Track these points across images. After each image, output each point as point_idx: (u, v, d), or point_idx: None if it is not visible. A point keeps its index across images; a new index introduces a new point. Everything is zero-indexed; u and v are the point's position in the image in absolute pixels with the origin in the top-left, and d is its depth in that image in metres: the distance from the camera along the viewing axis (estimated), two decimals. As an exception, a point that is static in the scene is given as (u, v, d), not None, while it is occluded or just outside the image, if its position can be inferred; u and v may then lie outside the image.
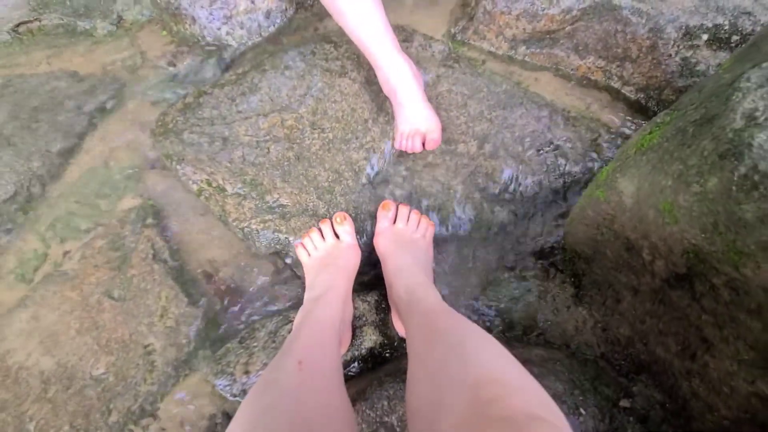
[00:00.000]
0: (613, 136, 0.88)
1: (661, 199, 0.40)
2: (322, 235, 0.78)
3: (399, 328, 0.70)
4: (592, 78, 0.94)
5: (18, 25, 1.13)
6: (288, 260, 0.84)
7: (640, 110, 0.91)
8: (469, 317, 0.76)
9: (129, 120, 1.03)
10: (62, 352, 0.77)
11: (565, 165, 0.85)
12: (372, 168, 0.86)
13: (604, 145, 0.87)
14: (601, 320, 0.58)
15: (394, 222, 0.78)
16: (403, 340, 0.72)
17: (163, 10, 1.07)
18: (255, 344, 0.74)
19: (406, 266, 0.68)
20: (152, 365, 0.76)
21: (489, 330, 0.72)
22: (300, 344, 0.50)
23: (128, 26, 1.15)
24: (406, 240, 0.74)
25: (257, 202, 0.85)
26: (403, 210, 0.78)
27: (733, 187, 0.33)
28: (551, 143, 0.87)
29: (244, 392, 0.71)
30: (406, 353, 0.71)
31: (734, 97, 0.35)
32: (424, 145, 0.82)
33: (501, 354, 0.39)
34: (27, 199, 0.93)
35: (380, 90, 0.95)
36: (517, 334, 0.68)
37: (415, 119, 0.79)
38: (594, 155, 0.86)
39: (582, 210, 0.57)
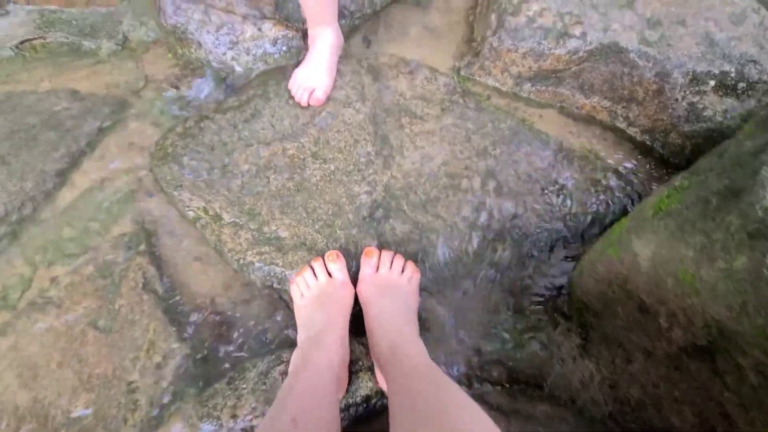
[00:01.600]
0: (618, 178, 0.86)
1: (680, 269, 0.38)
2: (314, 273, 0.76)
3: (382, 383, 0.66)
4: (597, 117, 0.93)
5: (22, 42, 1.12)
6: (284, 294, 0.81)
7: (646, 152, 0.90)
8: (469, 362, 0.73)
9: (128, 142, 1.01)
10: (40, 386, 0.73)
11: (570, 206, 0.84)
12: (374, 202, 0.84)
13: (610, 187, 0.85)
14: (610, 377, 0.56)
15: (378, 269, 0.75)
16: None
17: (169, 33, 1.06)
18: (244, 386, 0.71)
19: (389, 316, 0.66)
20: (135, 404, 0.72)
21: (490, 380, 0.69)
22: (295, 397, 0.47)
23: (133, 47, 1.14)
24: (389, 286, 0.71)
25: (254, 233, 0.82)
26: (386, 256, 0.76)
27: (765, 270, 0.31)
28: (556, 182, 0.85)
29: (230, 438, 0.67)
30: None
31: (763, 172, 0.34)
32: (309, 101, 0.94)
33: (482, 422, 0.37)
34: (17, 220, 0.90)
35: (384, 122, 0.94)
36: (521, 388, 0.65)
37: (311, 76, 0.93)
38: (599, 197, 0.84)
39: (592, 264, 0.55)
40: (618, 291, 0.49)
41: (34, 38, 1.13)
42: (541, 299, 0.76)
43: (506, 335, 0.73)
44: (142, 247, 0.87)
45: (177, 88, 1.08)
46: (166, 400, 0.73)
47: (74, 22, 1.15)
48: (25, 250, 0.87)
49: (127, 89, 1.09)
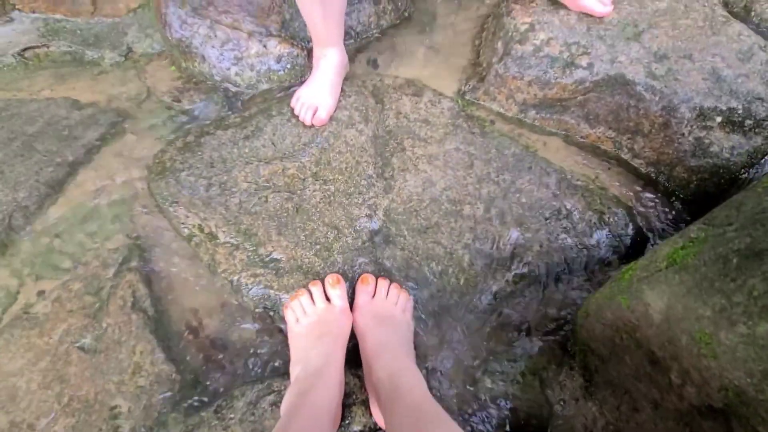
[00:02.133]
0: (622, 209, 0.85)
1: (697, 328, 0.36)
2: (312, 298, 0.73)
3: (377, 416, 0.63)
4: (602, 147, 0.92)
5: (25, 50, 1.11)
6: (277, 319, 0.79)
7: (650, 184, 0.89)
8: (467, 398, 0.70)
9: (126, 154, 0.99)
10: (18, 408, 0.70)
11: (573, 236, 0.82)
12: (374, 226, 0.82)
13: (614, 218, 0.84)
14: (614, 423, 0.53)
15: (373, 296, 0.73)
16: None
17: (173, 46, 1.06)
18: (232, 416, 0.68)
19: (387, 346, 0.63)
20: (116, 431, 0.69)
21: (488, 418, 0.66)
22: None
23: (137, 58, 1.14)
24: (385, 315, 0.69)
25: (249, 254, 0.80)
26: (382, 285, 0.74)
27: (790, 339, 0.29)
28: (559, 212, 0.84)
29: (214, 472, 0.64)
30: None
31: (786, 233, 0.32)
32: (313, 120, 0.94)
33: None
34: (6, 230, 0.88)
35: (387, 144, 0.93)
36: (520, 429, 0.62)
37: (315, 94, 0.93)
38: (603, 228, 0.83)
39: (599, 309, 0.53)
40: (627, 339, 0.47)
41: (38, 46, 1.12)
42: (543, 333, 0.73)
43: (505, 369, 0.70)
44: (134, 263, 0.85)
45: (179, 101, 1.07)
46: (148, 427, 0.69)
47: (79, 32, 1.15)
48: (12, 262, 0.85)
49: (128, 100, 1.08)
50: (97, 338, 0.76)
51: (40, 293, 0.82)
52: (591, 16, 0.90)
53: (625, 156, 0.90)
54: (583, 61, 0.85)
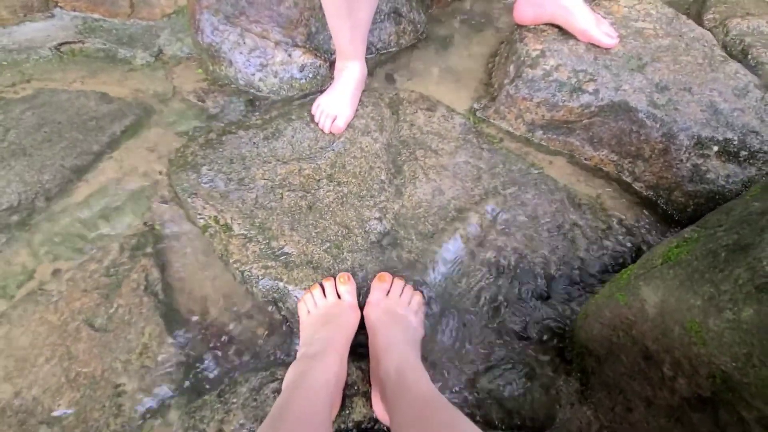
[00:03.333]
0: (621, 228, 0.89)
1: (688, 317, 0.39)
2: (324, 293, 0.76)
3: (379, 411, 0.65)
4: (604, 169, 0.97)
5: (61, 45, 1.17)
6: (283, 311, 0.81)
7: (649, 206, 0.93)
8: (466, 398, 0.71)
9: (148, 147, 1.04)
10: (26, 380, 0.71)
11: (574, 251, 0.85)
12: (383, 229, 0.86)
13: (613, 236, 0.87)
14: (608, 425, 0.55)
15: (387, 295, 0.75)
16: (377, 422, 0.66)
17: (203, 50, 1.12)
18: (234, 400, 0.69)
19: (397, 343, 0.65)
20: (119, 409, 0.70)
21: (486, 419, 0.67)
22: (295, 411, 0.47)
23: (166, 60, 1.20)
24: (397, 314, 0.72)
25: (262, 247, 0.83)
26: (398, 285, 0.77)
27: (771, 322, 0.32)
28: (561, 227, 0.87)
29: (213, 454, 0.65)
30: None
31: (771, 230, 0.36)
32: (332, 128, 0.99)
33: None
34: (29, 211, 0.91)
35: (400, 153, 0.98)
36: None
37: (335, 104, 0.98)
38: (602, 245, 0.86)
39: (598, 309, 0.56)
40: (623, 336, 0.50)
41: (74, 42, 1.18)
42: (541, 341, 0.75)
43: (504, 373, 0.72)
44: (149, 249, 0.88)
45: (203, 101, 1.12)
46: (151, 407, 0.71)
47: (114, 31, 1.21)
48: (32, 241, 0.88)
49: (154, 97, 1.13)
50: (108, 318, 0.78)
51: (56, 272, 0.84)
52: (598, 47, 0.96)
53: (627, 178, 0.94)
54: (590, 87, 0.91)
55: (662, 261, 0.46)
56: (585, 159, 0.98)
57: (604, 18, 1.00)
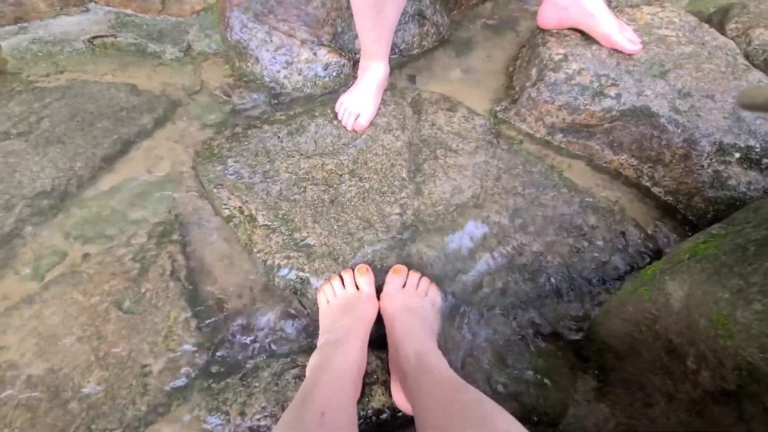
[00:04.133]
0: (640, 232, 0.89)
1: (715, 310, 0.40)
2: (343, 283, 0.78)
3: (399, 399, 0.66)
4: (624, 173, 0.97)
5: (94, 38, 1.21)
6: (303, 300, 0.83)
7: (668, 211, 0.93)
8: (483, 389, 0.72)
9: (176, 138, 1.07)
10: (57, 358, 0.74)
11: (592, 252, 0.86)
12: (403, 224, 0.87)
13: (631, 239, 0.88)
14: (626, 422, 0.56)
15: (403, 287, 0.77)
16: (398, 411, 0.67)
17: (231, 47, 1.15)
18: (257, 384, 0.71)
19: (415, 330, 0.67)
20: (145, 388, 0.72)
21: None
22: (321, 393, 0.48)
23: (194, 55, 1.23)
24: (414, 306, 0.73)
25: (285, 238, 0.85)
26: (413, 277, 0.78)
27: (801, 312, 0.33)
28: (580, 229, 0.88)
29: (235, 436, 0.67)
30: (411, 425, 0.67)
31: (800, 225, 0.37)
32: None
33: (519, 428, 0.38)
34: (61, 196, 0.94)
35: (420, 151, 0.99)
36: (531, 427, 0.64)
37: (358, 102, 1.00)
38: (620, 248, 0.86)
39: (621, 304, 0.56)
40: (646, 331, 0.51)
41: (106, 36, 1.22)
42: (557, 338, 0.76)
43: (520, 369, 0.73)
44: (175, 236, 0.90)
45: (229, 96, 1.15)
46: (176, 387, 0.73)
47: (145, 27, 1.25)
48: (64, 225, 0.91)
49: (182, 91, 1.16)
50: (136, 301, 0.81)
51: (86, 255, 0.87)
52: (621, 52, 0.97)
53: (646, 183, 0.95)
54: (612, 92, 0.92)
55: (689, 256, 0.47)
56: (604, 163, 0.98)
57: (627, 24, 1.01)
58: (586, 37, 1.00)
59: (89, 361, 0.74)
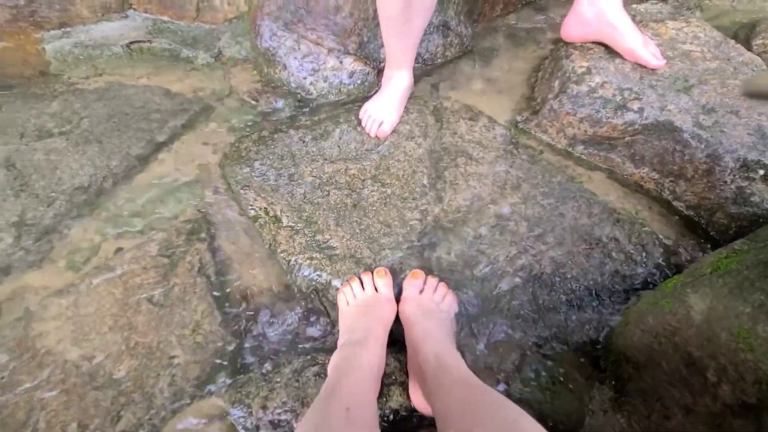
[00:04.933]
0: (661, 245, 0.89)
1: (736, 324, 0.41)
2: (362, 285, 0.80)
3: (417, 400, 0.67)
4: (645, 186, 0.97)
5: (131, 43, 1.28)
6: (324, 300, 0.85)
7: (690, 226, 0.93)
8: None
9: (205, 140, 1.11)
10: (91, 345, 0.78)
11: (610, 264, 0.86)
12: (423, 230, 0.89)
13: (652, 253, 0.88)
14: (643, 434, 0.56)
15: (421, 292, 0.79)
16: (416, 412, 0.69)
17: (260, 54, 1.19)
18: (278, 380, 0.73)
19: (433, 333, 0.68)
20: (172, 379, 0.76)
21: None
22: (345, 390, 0.50)
23: (225, 61, 1.28)
24: (432, 310, 0.75)
25: (308, 239, 0.88)
26: (431, 281, 0.80)
27: (822, 327, 0.34)
28: (600, 240, 0.89)
29: (257, 428, 0.69)
30: (427, 426, 0.69)
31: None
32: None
33: (539, 429, 0.40)
34: (97, 192, 0.99)
35: (441, 159, 1.01)
36: None
37: (382, 109, 1.03)
38: (641, 261, 0.87)
39: (641, 316, 0.57)
40: (665, 343, 0.51)
41: (143, 41, 1.28)
42: (574, 348, 0.77)
43: (537, 377, 0.74)
44: (203, 234, 0.94)
45: (256, 101, 1.19)
46: (201, 379, 0.76)
47: (180, 33, 1.31)
48: (99, 220, 0.96)
49: (212, 95, 1.21)
50: (165, 294, 0.84)
51: (119, 250, 0.91)
52: (644, 67, 0.98)
53: (667, 197, 0.95)
54: (635, 106, 0.92)
55: (711, 270, 0.47)
56: (625, 175, 0.99)
57: (652, 39, 1.02)
58: (610, 51, 1.01)
59: (120, 350, 0.78)
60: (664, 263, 0.87)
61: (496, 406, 0.44)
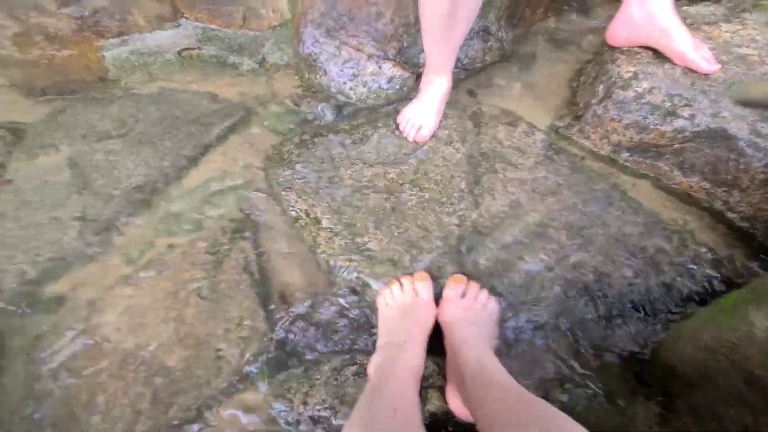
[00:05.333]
0: (712, 258, 0.85)
1: (805, 342, 0.39)
2: (402, 288, 0.81)
3: (455, 404, 0.68)
4: (695, 196, 0.94)
5: (183, 50, 1.35)
6: (362, 302, 0.87)
7: (743, 238, 0.89)
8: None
9: (249, 143, 1.16)
10: (145, 335, 0.83)
11: (656, 275, 0.83)
12: (461, 235, 0.89)
13: (701, 265, 0.84)
14: (693, 453, 0.54)
15: (462, 296, 0.79)
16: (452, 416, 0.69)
17: (302, 60, 1.23)
18: (318, 377, 0.76)
19: (474, 339, 0.69)
20: (219, 370, 0.79)
21: None
22: (390, 390, 0.52)
23: (268, 67, 1.33)
24: (473, 315, 0.75)
25: (347, 241, 0.90)
26: (473, 287, 0.80)
27: None
28: (645, 250, 0.86)
29: (298, 423, 0.72)
30: (464, 429, 0.69)
31: None
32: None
33: None
34: (151, 191, 1.05)
35: (480, 164, 1.01)
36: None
37: (420, 114, 1.04)
38: (689, 273, 0.83)
39: (695, 331, 0.55)
40: (723, 360, 0.50)
41: (193, 48, 1.35)
42: (616, 360, 0.75)
43: (578, 388, 0.72)
44: (246, 233, 0.98)
45: (298, 105, 1.23)
46: (245, 372, 0.79)
47: (227, 40, 1.37)
48: (152, 217, 1.02)
49: (256, 100, 1.26)
50: (213, 289, 0.89)
51: (171, 246, 0.97)
52: (696, 72, 0.94)
53: (719, 208, 0.91)
54: (685, 112, 0.89)
55: (775, 287, 0.45)
56: (673, 184, 0.95)
57: (704, 43, 0.98)
58: (658, 56, 0.98)
59: (172, 341, 0.82)
60: (715, 277, 0.83)
61: (547, 416, 0.44)
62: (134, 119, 1.19)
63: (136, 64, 1.33)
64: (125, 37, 1.33)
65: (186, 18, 1.35)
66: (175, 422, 0.74)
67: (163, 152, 1.11)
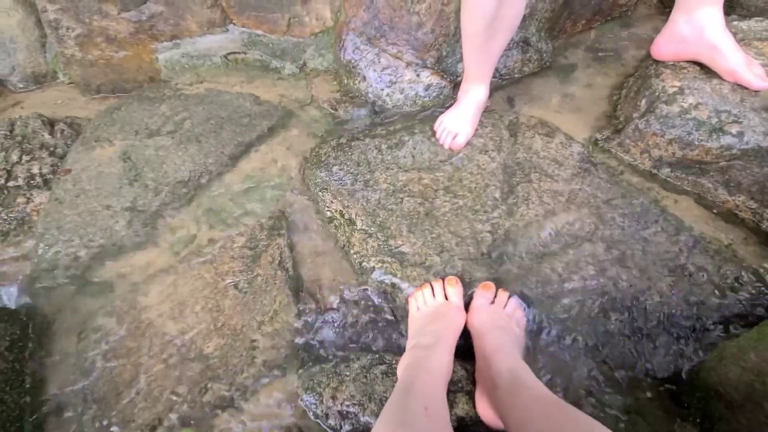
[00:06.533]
0: (756, 280, 0.82)
1: None
2: (433, 293, 0.82)
3: (484, 410, 0.68)
4: (740, 215, 0.91)
5: (229, 54, 1.41)
6: (392, 303, 0.88)
7: (792, 262, 0.85)
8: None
9: (288, 144, 1.20)
10: (185, 322, 0.87)
11: (697, 295, 0.81)
12: (493, 242, 0.90)
13: (745, 287, 0.81)
14: (733, 479, 0.52)
15: (492, 303, 0.79)
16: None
17: (341, 65, 1.27)
18: (347, 373, 0.77)
19: (506, 347, 0.69)
20: (252, 360, 0.82)
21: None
22: (421, 390, 0.53)
23: (308, 71, 1.38)
24: (502, 323, 0.75)
25: (380, 243, 0.92)
26: (502, 295, 0.80)
27: None
28: (685, 268, 0.84)
29: (326, 416, 0.74)
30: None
31: None
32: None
33: None
34: (195, 186, 1.11)
35: (515, 173, 1.01)
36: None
37: (457, 122, 1.06)
38: (732, 295, 0.81)
39: (740, 352, 0.54)
40: (769, 382, 0.48)
41: (238, 52, 1.41)
42: (655, 379, 0.73)
43: (611, 406, 0.71)
44: (282, 231, 1.02)
45: (336, 109, 1.27)
46: (277, 364, 0.82)
47: (270, 45, 1.42)
48: (195, 211, 1.07)
49: (295, 103, 1.31)
50: (249, 283, 0.92)
51: (211, 240, 1.02)
52: (746, 89, 0.91)
53: (767, 228, 0.87)
54: (733, 129, 0.87)
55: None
56: (717, 202, 0.92)
57: (756, 59, 0.95)
58: (706, 71, 0.96)
59: (210, 329, 0.86)
60: (759, 299, 0.80)
61: (584, 424, 0.44)
62: (183, 118, 1.25)
63: (186, 66, 1.40)
64: (178, 41, 1.41)
65: (234, 24, 1.42)
66: (209, 408, 0.77)
67: (207, 150, 1.16)
